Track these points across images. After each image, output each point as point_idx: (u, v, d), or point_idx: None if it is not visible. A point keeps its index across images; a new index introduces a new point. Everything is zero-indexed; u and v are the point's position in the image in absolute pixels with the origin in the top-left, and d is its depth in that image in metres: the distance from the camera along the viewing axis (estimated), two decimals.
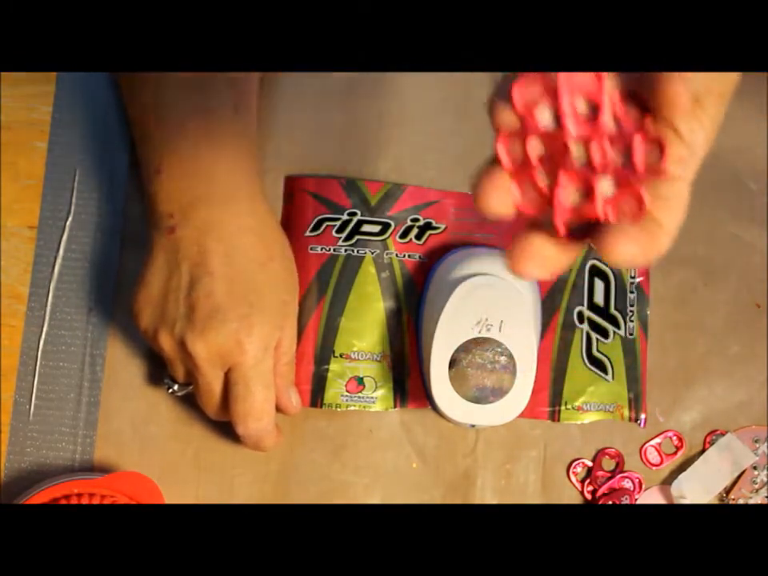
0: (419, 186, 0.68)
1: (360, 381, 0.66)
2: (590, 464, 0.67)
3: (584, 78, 0.43)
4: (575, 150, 0.42)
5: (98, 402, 0.66)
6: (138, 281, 0.60)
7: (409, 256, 0.67)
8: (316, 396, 0.66)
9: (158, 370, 0.66)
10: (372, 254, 0.67)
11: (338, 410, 0.66)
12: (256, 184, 0.61)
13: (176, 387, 0.63)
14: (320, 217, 0.67)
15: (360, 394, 0.66)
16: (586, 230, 0.42)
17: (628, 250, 0.41)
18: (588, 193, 0.41)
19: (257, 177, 0.62)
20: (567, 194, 0.42)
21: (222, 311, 0.57)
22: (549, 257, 0.43)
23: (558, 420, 0.66)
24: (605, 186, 0.42)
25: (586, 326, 0.67)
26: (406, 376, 0.66)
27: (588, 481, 0.67)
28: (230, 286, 0.58)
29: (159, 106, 0.61)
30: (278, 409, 0.62)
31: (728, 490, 0.67)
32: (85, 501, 0.61)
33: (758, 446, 0.67)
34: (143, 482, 0.62)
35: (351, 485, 0.66)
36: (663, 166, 0.42)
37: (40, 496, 0.61)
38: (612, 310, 0.68)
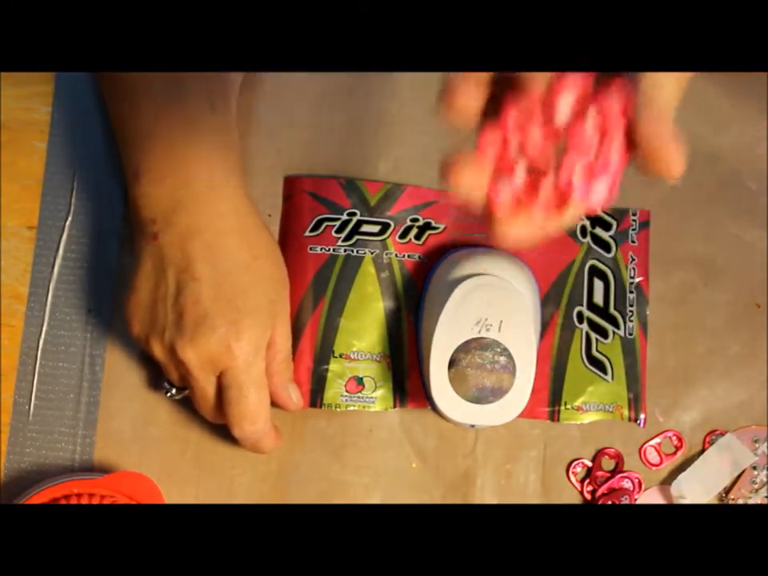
0: (419, 186, 0.68)
1: (359, 381, 0.66)
2: (589, 464, 0.67)
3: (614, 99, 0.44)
4: (533, 133, 0.43)
5: (98, 402, 0.66)
6: (128, 288, 0.60)
7: (408, 256, 0.67)
8: (316, 396, 0.66)
9: (157, 373, 0.65)
10: (371, 254, 0.67)
11: (338, 410, 0.66)
12: (237, 183, 0.61)
13: (174, 391, 0.63)
14: (319, 217, 0.67)
15: (360, 394, 0.66)
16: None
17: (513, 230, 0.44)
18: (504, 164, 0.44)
19: (238, 176, 0.61)
20: (490, 147, 0.45)
21: (210, 317, 0.57)
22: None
23: (558, 420, 0.66)
24: (520, 172, 0.43)
25: (585, 326, 0.67)
26: (406, 376, 0.66)
27: (588, 481, 0.67)
28: (216, 291, 0.58)
29: (134, 110, 0.61)
30: (279, 406, 0.62)
31: (728, 490, 0.67)
32: (85, 501, 0.61)
33: (757, 445, 0.67)
34: (143, 482, 0.62)
35: (351, 485, 0.66)
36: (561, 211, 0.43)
37: (40, 496, 0.61)
38: (611, 310, 0.68)
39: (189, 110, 0.60)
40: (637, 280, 0.68)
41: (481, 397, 0.60)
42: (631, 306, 0.68)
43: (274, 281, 0.61)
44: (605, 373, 0.67)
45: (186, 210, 0.59)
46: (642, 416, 0.67)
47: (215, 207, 0.59)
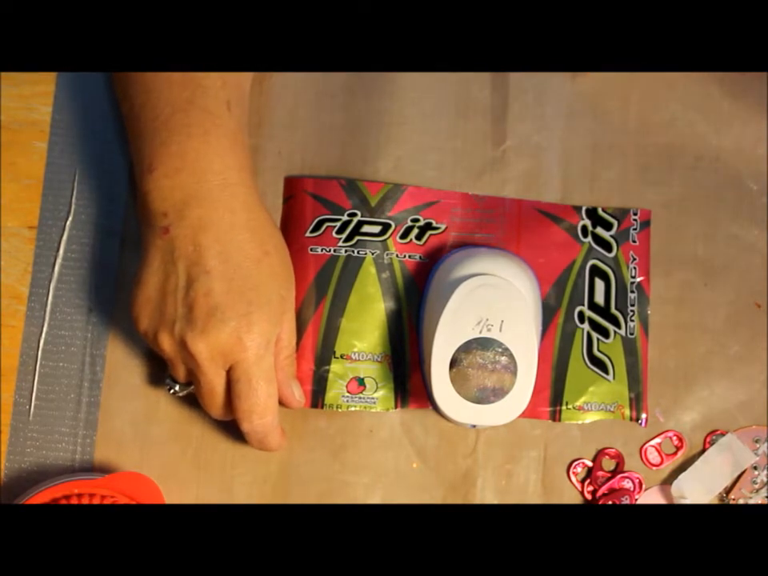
0: (419, 186, 0.68)
1: (361, 381, 0.66)
2: (590, 464, 0.67)
3: None
4: None
5: (98, 402, 0.66)
6: (135, 283, 0.60)
7: (409, 256, 0.67)
8: (317, 397, 0.66)
9: (158, 370, 0.66)
10: (372, 254, 0.67)
11: (339, 410, 0.66)
12: (249, 180, 0.61)
13: (177, 387, 0.63)
14: (320, 218, 0.67)
15: (361, 395, 0.66)
16: None
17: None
18: None
19: (250, 174, 0.61)
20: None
21: (221, 309, 0.57)
22: None
23: (560, 420, 0.66)
24: None
25: (586, 326, 0.67)
26: (407, 376, 0.66)
27: (588, 481, 0.67)
28: (227, 284, 0.58)
29: (151, 102, 0.60)
30: (282, 402, 0.62)
31: (728, 490, 0.67)
32: (85, 501, 0.61)
33: (758, 445, 0.67)
34: (143, 482, 0.62)
35: (351, 485, 0.66)
36: None
37: (40, 496, 0.61)
38: (613, 309, 0.67)
39: (207, 106, 0.60)
40: (638, 280, 0.68)
41: (482, 397, 0.60)
42: (632, 305, 0.68)
43: (283, 277, 0.62)
44: (606, 372, 0.67)
45: (199, 204, 0.59)
46: (644, 416, 0.67)
47: (227, 203, 0.59)
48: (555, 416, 0.66)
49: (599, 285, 0.68)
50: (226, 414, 0.61)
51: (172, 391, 0.63)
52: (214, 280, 0.58)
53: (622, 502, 0.66)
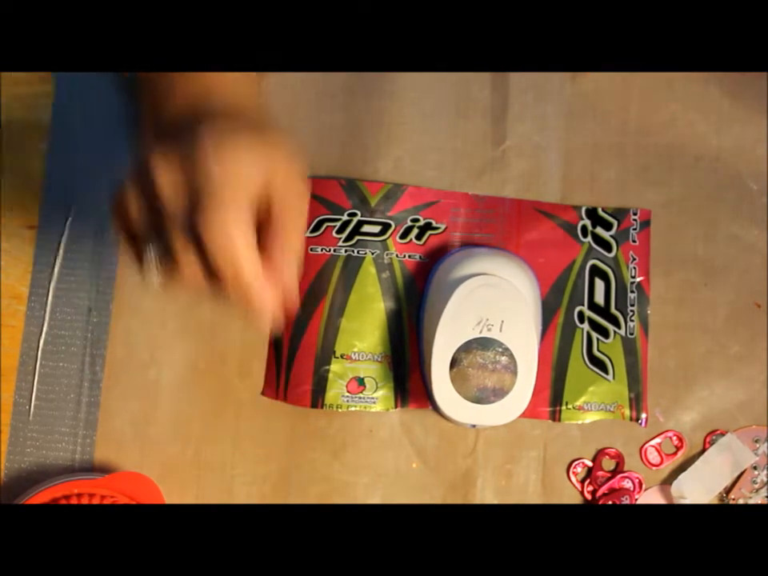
0: (419, 186, 0.68)
1: (361, 381, 0.66)
2: (590, 464, 0.67)
3: None
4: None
5: (98, 402, 0.66)
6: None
7: (409, 256, 0.67)
8: (317, 397, 0.66)
9: (157, 370, 0.66)
10: (372, 254, 0.67)
11: (339, 410, 0.66)
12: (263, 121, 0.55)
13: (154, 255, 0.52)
14: (320, 218, 0.67)
15: (361, 395, 0.66)
16: None
17: None
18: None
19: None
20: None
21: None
22: None
23: (559, 420, 0.66)
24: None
25: (586, 326, 0.67)
26: (407, 376, 0.66)
27: (588, 481, 0.67)
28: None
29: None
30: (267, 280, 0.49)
31: (728, 490, 0.67)
32: (85, 501, 0.61)
33: (758, 445, 0.67)
34: (143, 482, 0.62)
35: (351, 485, 0.66)
36: None
37: (40, 496, 0.61)
38: (612, 309, 0.68)
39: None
40: (638, 279, 0.68)
41: (482, 397, 0.60)
42: (632, 305, 0.68)
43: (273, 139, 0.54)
44: (606, 372, 0.67)
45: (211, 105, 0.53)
46: (644, 415, 0.67)
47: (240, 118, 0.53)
48: (555, 416, 0.66)
49: (599, 285, 0.68)
50: (201, 272, 0.49)
51: (152, 264, 0.51)
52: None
53: (622, 502, 0.66)
